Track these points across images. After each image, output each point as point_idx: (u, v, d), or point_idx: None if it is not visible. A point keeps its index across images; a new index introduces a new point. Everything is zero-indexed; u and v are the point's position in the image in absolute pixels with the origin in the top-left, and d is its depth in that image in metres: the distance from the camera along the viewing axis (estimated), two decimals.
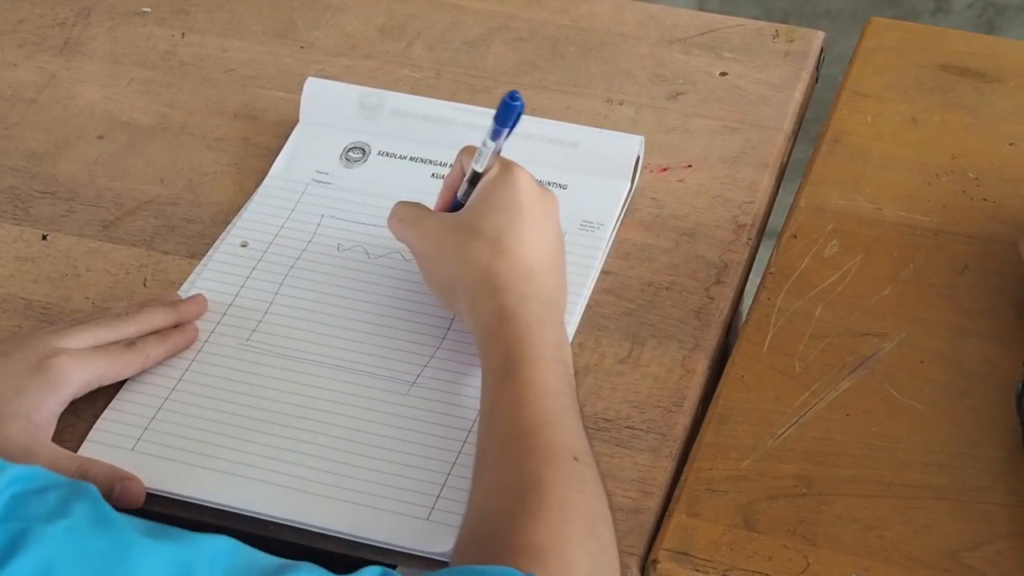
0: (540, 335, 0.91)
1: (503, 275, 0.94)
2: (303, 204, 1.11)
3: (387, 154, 1.14)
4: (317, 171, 1.14)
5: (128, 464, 0.93)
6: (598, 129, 1.14)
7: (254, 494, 0.92)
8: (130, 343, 0.98)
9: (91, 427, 0.96)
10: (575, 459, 0.84)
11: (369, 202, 1.11)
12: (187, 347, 1.00)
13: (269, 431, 0.95)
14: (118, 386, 0.98)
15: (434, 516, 0.90)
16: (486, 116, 1.14)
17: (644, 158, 1.12)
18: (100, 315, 0.99)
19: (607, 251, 1.07)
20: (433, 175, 1.12)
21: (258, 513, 0.91)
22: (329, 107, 1.16)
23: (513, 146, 1.13)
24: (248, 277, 1.06)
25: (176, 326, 1.01)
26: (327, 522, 0.90)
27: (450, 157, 1.13)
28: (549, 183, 1.11)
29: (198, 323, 1.02)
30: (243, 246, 1.08)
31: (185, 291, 1.05)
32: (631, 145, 1.11)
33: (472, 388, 0.97)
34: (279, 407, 0.97)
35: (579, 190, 1.10)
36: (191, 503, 0.92)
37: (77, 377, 0.94)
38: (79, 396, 0.95)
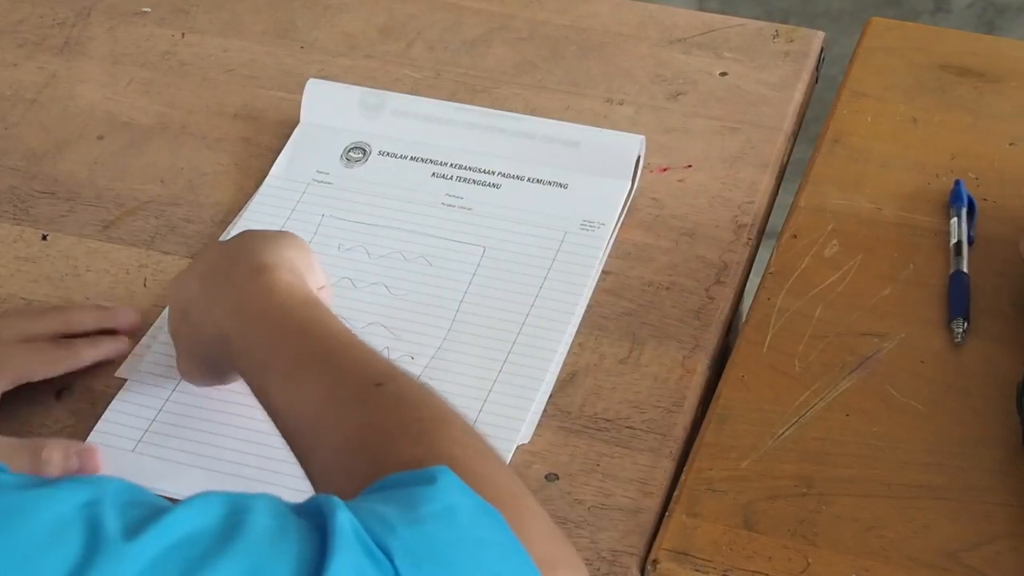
0: None
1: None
2: (304, 204, 1.11)
3: (388, 154, 1.14)
4: (318, 171, 1.14)
5: (128, 464, 0.93)
6: (598, 129, 1.14)
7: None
8: (56, 342, 0.98)
9: (91, 428, 0.96)
10: (378, 385, 0.79)
11: (370, 202, 1.11)
12: (117, 355, 0.99)
13: (270, 431, 0.95)
14: (118, 386, 0.98)
15: None
16: (486, 116, 1.15)
17: (644, 158, 1.12)
18: (26, 309, 0.99)
19: (607, 251, 1.07)
20: (433, 174, 1.12)
21: None
22: (330, 107, 1.16)
23: (514, 146, 1.13)
24: None
25: (108, 332, 1.00)
26: None
27: (450, 157, 1.13)
28: (549, 183, 1.11)
29: None
30: None
31: None
32: (632, 145, 1.11)
33: (473, 388, 0.97)
34: None
35: (579, 190, 1.10)
36: None
37: (1, 369, 0.95)
38: (8, 389, 0.95)
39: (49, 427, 0.97)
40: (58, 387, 0.99)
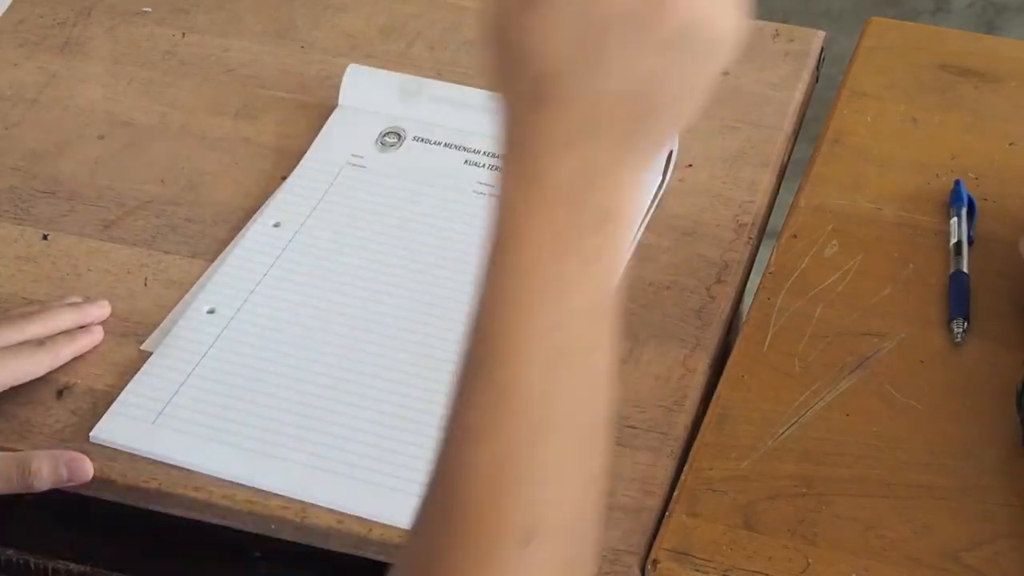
0: None
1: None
2: (337, 186, 1.11)
3: (422, 140, 1.14)
4: (352, 154, 1.14)
5: (147, 436, 0.94)
6: None
7: (277, 473, 0.92)
8: (39, 343, 0.99)
9: (90, 427, 0.96)
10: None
11: (402, 186, 1.11)
12: (92, 347, 1.01)
13: (296, 411, 0.95)
14: (118, 386, 0.98)
15: None
16: None
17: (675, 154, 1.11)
18: (4, 317, 1.00)
19: (633, 246, 1.06)
20: (466, 162, 1.13)
21: (279, 490, 0.91)
22: (368, 92, 1.17)
23: None
24: (279, 256, 1.06)
25: (81, 327, 1.01)
26: (349, 505, 0.90)
27: (484, 145, 1.13)
28: None
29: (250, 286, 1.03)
30: (275, 226, 1.08)
31: (215, 268, 1.06)
32: None
33: None
34: (305, 387, 0.97)
35: None
36: (195, 502, 0.92)
37: None
38: None
39: (50, 427, 0.97)
40: (58, 387, 0.99)
